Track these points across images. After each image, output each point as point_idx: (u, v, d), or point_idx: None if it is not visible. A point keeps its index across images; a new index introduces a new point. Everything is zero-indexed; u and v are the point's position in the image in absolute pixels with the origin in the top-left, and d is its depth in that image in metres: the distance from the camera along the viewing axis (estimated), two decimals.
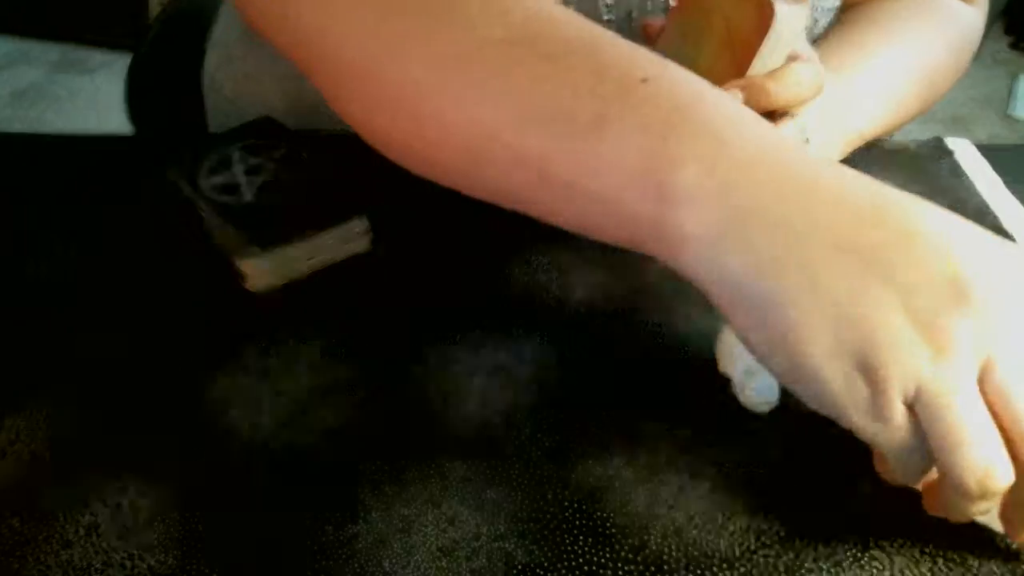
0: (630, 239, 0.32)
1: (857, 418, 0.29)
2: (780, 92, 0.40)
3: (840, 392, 0.29)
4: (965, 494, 0.29)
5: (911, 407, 0.29)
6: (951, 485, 0.29)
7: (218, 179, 0.51)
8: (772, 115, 0.44)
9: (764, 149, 0.30)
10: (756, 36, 0.39)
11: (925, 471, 0.31)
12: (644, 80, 0.31)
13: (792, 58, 0.42)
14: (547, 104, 0.31)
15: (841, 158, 0.54)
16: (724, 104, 0.31)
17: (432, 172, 0.37)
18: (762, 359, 0.31)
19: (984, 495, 0.29)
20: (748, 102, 0.40)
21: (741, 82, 0.40)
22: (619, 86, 0.31)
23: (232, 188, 0.50)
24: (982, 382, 0.29)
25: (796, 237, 0.29)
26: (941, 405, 0.28)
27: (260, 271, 0.46)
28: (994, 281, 0.28)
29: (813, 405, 0.30)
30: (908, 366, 0.28)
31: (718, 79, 0.41)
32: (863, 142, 0.57)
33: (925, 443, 0.29)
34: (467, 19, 0.33)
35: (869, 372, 0.28)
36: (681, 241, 0.30)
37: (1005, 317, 0.28)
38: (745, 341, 0.31)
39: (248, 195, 0.49)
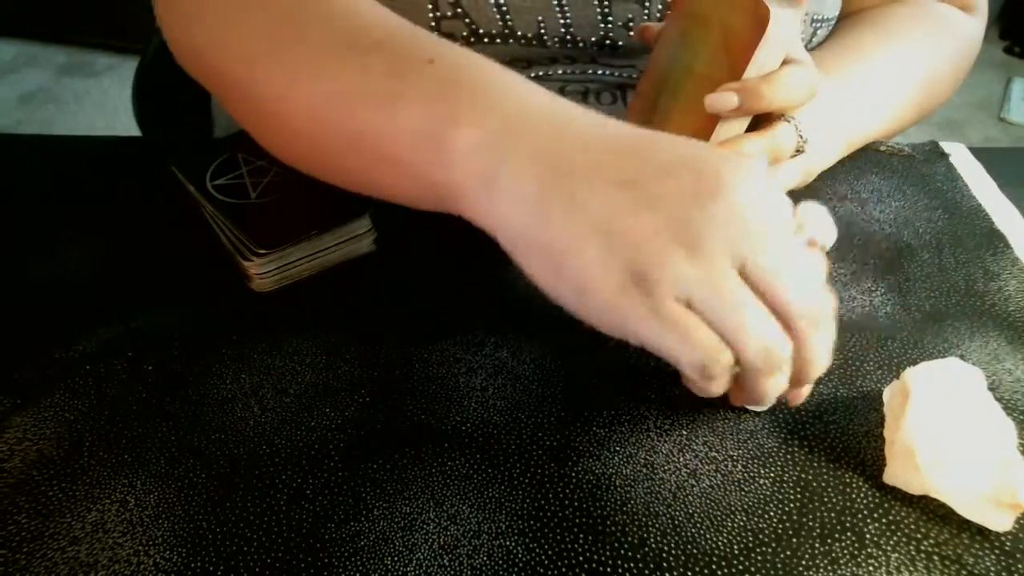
0: (434, 201, 0.37)
1: (644, 329, 0.32)
2: (774, 95, 0.41)
3: (621, 306, 0.32)
4: (757, 371, 0.33)
5: (691, 308, 0.32)
6: (745, 369, 0.33)
7: (224, 181, 0.51)
8: (767, 117, 0.44)
9: (528, 108, 0.34)
10: (752, 40, 0.40)
11: (716, 371, 0.33)
12: (430, 61, 0.36)
13: (787, 62, 0.42)
14: (357, 90, 0.37)
15: (841, 159, 0.55)
16: (498, 75, 0.36)
17: (293, 161, 0.44)
18: (554, 296, 0.34)
19: (772, 368, 0.33)
20: (743, 104, 0.40)
21: (736, 85, 0.40)
22: (409, 68, 0.36)
23: (237, 190, 0.50)
24: (742, 274, 0.32)
25: (556, 173, 0.32)
26: (711, 297, 0.31)
27: (265, 272, 0.47)
28: (735, 187, 0.32)
29: (606, 329, 0.33)
30: (671, 268, 0.31)
31: (714, 82, 0.41)
32: (863, 143, 0.57)
33: (709, 339, 0.32)
34: (303, 34, 0.40)
35: (640, 281, 0.31)
36: (465, 196, 0.35)
37: (748, 214, 0.32)
38: (537, 282, 0.34)
39: (253, 197, 0.50)
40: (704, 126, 0.42)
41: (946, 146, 0.61)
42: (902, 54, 0.57)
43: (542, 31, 0.51)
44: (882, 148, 0.60)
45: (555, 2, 0.50)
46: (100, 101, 2.25)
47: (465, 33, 0.50)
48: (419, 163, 0.36)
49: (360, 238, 0.50)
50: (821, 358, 0.35)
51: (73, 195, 0.55)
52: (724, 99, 0.40)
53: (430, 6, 0.49)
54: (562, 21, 0.51)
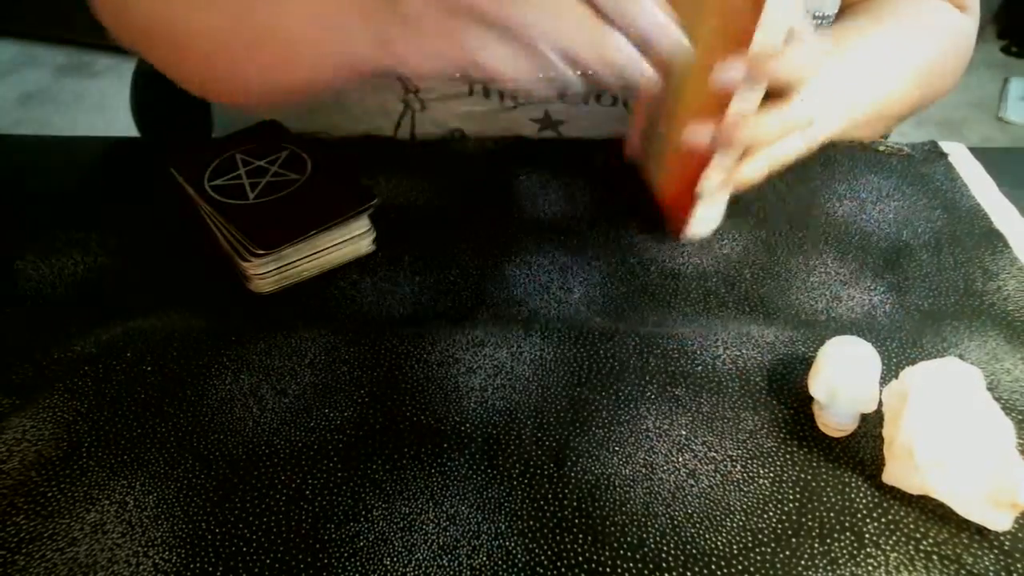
0: (349, 66, 0.43)
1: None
2: (779, 70, 0.41)
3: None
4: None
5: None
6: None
7: (222, 181, 0.51)
8: (778, 94, 0.44)
9: None
10: (753, 11, 0.39)
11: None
12: None
13: (791, 36, 0.42)
14: None
15: (844, 128, 0.54)
16: None
17: (203, 87, 0.53)
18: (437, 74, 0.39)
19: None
20: (749, 79, 0.40)
21: (741, 61, 0.40)
22: None
23: (236, 191, 0.50)
24: None
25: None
26: None
27: (263, 272, 0.47)
28: None
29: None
30: None
31: (716, 55, 0.41)
32: (866, 116, 0.57)
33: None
34: None
35: None
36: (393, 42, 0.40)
37: None
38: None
39: (251, 197, 0.50)
40: (715, 107, 0.42)
41: (945, 146, 0.61)
42: (901, 32, 0.58)
43: None
44: (881, 148, 0.60)
45: None
46: (99, 101, 2.25)
47: None
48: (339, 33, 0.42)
49: (359, 238, 0.50)
50: None
51: (71, 195, 0.55)
52: (729, 70, 0.40)
53: None
54: None
